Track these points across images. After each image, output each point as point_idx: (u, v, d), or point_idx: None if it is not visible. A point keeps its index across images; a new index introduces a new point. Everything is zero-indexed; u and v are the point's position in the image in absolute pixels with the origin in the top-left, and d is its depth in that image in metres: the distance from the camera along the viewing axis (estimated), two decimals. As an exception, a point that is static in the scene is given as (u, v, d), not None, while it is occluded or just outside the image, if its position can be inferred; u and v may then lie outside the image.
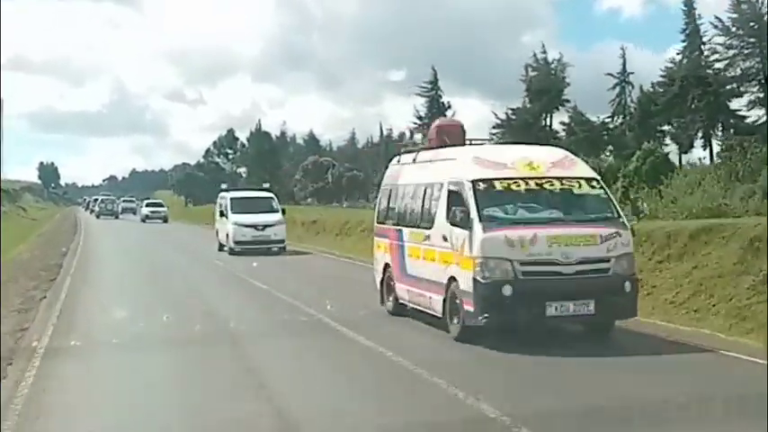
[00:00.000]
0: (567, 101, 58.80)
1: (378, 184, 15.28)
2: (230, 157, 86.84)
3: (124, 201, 78.25)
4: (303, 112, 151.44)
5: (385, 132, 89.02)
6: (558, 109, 59.34)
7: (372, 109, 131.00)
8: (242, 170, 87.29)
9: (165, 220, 54.81)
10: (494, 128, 60.89)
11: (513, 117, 61.08)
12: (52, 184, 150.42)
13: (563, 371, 8.48)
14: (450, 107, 67.12)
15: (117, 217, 65.85)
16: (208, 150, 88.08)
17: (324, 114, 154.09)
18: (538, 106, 59.04)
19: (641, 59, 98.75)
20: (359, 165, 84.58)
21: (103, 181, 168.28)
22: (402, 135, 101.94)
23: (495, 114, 61.77)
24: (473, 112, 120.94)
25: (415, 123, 68.23)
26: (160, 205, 60.96)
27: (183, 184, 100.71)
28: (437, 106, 66.98)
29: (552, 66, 59.10)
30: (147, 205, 59.99)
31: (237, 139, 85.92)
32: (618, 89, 62.55)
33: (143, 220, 54.21)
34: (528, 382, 8.13)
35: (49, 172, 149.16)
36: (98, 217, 64.63)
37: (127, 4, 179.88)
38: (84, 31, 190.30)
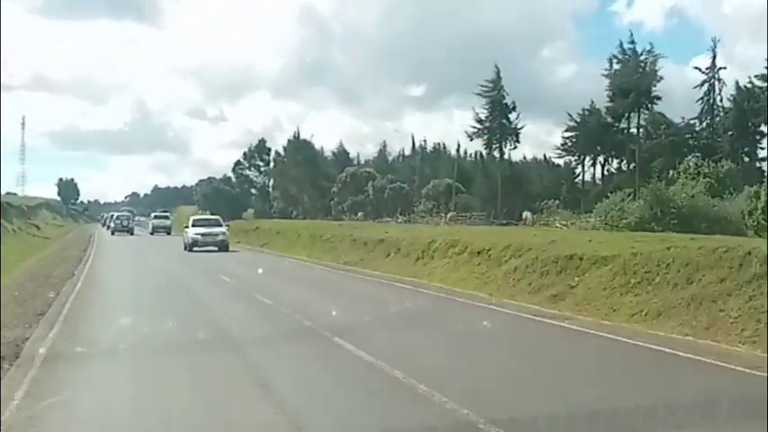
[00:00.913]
0: (658, 98, 50.80)
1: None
2: (262, 169, 79.49)
3: (155, 216, 64.81)
4: (323, 128, 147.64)
5: (417, 144, 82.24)
6: (647, 107, 51.28)
7: (392, 124, 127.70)
8: (271, 182, 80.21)
9: (225, 247, 37.09)
10: (566, 131, 53.37)
11: (589, 119, 53.17)
12: (72, 201, 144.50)
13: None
14: (515, 108, 59.18)
15: (131, 233, 60.79)
16: (237, 162, 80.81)
17: (343, 129, 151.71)
18: (622, 104, 51.10)
19: (664, 72, 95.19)
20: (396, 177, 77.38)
21: (125, 197, 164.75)
22: (438, 146, 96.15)
23: (570, 115, 53.81)
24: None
25: (474, 128, 60.82)
26: (215, 224, 39.91)
27: (209, 199, 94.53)
28: (499, 108, 59.19)
29: (641, 57, 51.06)
30: (196, 224, 38.69)
31: (270, 149, 78.78)
32: (706, 87, 54.62)
33: (189, 248, 35.89)
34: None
35: (68, 188, 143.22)
36: (113, 233, 60.10)
37: (146, 22, 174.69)
38: (104, 50, 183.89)
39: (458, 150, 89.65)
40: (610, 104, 51.13)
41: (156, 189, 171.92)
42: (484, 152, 61.84)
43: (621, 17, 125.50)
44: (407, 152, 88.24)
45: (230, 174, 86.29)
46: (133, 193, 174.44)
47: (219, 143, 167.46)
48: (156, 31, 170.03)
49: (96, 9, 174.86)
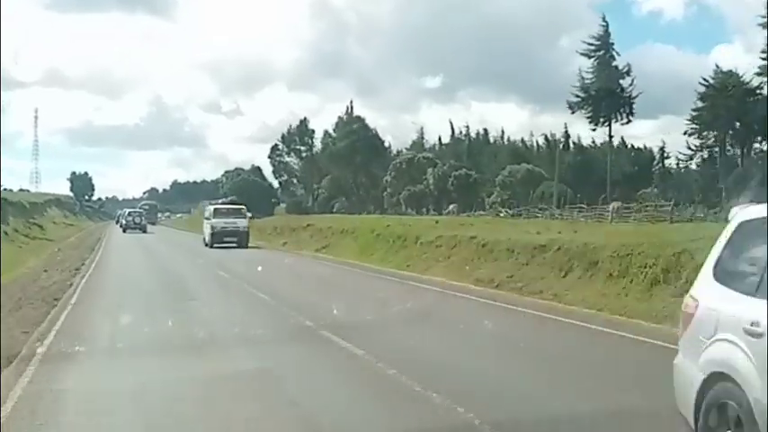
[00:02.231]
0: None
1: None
2: (304, 154, 67.43)
3: (219, 212, 37.66)
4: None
5: (458, 131, 72.12)
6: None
7: (410, 116, 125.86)
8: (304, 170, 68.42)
9: None
10: (700, 99, 41.93)
11: (730, 81, 41.37)
12: (86, 196, 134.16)
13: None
14: (628, 72, 47.32)
15: (144, 231, 54.84)
16: (274, 148, 68.60)
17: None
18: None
19: (685, 61, 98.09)
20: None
21: (144, 193, 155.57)
22: (480, 133, 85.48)
23: (704, 80, 41.94)
24: (512, 117, 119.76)
25: (578, 96, 49.00)
26: None
27: (237, 193, 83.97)
28: (607, 71, 47.44)
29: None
30: None
31: (313, 131, 66.88)
32: None
33: None
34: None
35: (81, 183, 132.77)
36: (124, 231, 55.01)
37: (160, 16, 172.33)
38: (117, 44, 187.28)
39: (502, 137, 79.48)
40: (766, 62, 39.31)
41: (175, 184, 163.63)
42: (590, 126, 50.26)
43: (640, 6, 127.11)
44: (445, 140, 77.98)
45: (263, 163, 75.31)
46: (152, 188, 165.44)
47: (236, 137, 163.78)
48: (169, 24, 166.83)
49: (107, 2, 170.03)
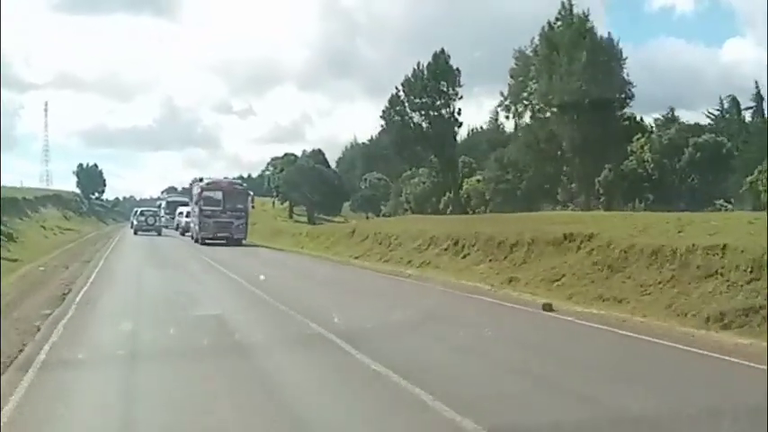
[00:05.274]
0: None
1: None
2: (436, 111, 40.71)
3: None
4: (351, 120, 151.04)
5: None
6: None
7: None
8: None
9: None
10: None
11: None
12: (95, 194, 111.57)
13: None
14: None
15: (159, 233, 49.26)
16: (392, 101, 41.75)
17: (371, 121, 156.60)
18: None
19: (695, 55, 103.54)
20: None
21: (162, 192, 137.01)
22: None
23: None
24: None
25: None
26: None
27: (293, 185, 61.95)
28: None
29: None
30: None
31: (458, 70, 40.73)
32: None
33: None
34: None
35: (90, 177, 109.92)
36: (136, 233, 49.47)
37: (165, 17, 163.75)
38: (126, 47, 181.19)
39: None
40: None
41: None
42: None
43: (651, 0, 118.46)
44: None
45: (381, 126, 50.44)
46: (170, 187, 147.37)
47: (249, 138, 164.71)
48: (175, 26, 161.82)
49: (113, 4, 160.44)
